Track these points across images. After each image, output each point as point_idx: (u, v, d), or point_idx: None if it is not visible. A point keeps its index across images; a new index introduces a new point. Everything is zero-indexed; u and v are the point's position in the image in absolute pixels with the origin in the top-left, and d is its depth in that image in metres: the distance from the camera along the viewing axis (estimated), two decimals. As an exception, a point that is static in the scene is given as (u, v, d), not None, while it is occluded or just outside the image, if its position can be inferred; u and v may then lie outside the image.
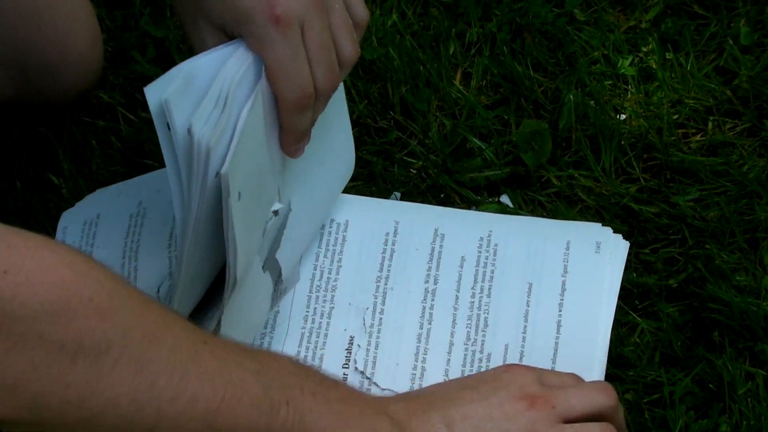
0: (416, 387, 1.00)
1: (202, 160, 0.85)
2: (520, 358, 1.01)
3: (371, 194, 1.14)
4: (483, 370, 1.00)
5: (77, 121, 1.21)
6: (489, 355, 1.01)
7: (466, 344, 1.01)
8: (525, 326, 1.02)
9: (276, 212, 0.97)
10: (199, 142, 0.84)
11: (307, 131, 0.93)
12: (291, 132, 0.92)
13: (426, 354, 1.01)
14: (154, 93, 0.84)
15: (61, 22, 1.15)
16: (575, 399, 0.93)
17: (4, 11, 1.13)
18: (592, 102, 1.19)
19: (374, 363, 1.01)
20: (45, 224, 1.15)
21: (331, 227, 1.07)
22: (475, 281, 1.04)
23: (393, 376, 1.00)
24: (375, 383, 1.00)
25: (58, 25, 1.14)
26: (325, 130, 0.99)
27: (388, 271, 1.05)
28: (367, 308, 1.03)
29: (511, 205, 1.14)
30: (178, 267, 0.91)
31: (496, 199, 1.15)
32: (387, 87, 1.22)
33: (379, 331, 1.02)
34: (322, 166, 1.02)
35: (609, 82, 1.21)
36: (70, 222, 1.11)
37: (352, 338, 1.02)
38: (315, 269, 1.05)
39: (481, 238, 1.06)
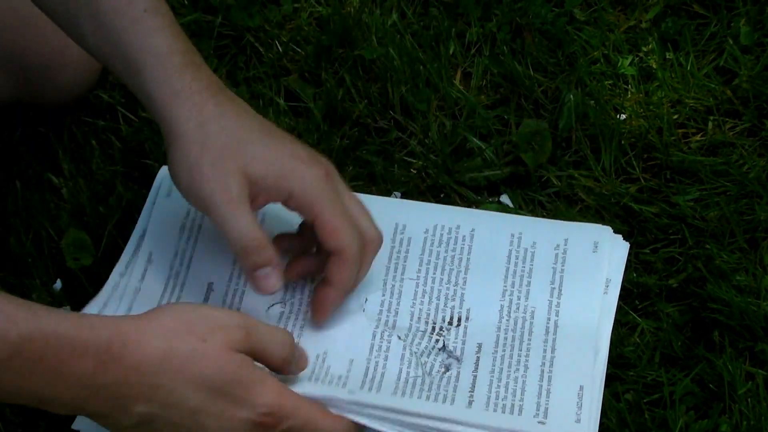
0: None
1: None
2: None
3: (371, 194, 1.14)
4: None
5: (77, 120, 1.21)
6: None
7: None
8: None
9: None
10: None
11: None
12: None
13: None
14: None
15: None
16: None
17: (3, 13, 1.13)
18: (592, 102, 1.19)
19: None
20: (44, 224, 1.15)
21: None
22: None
23: None
24: None
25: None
26: None
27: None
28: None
29: (511, 204, 1.14)
30: None
31: (496, 199, 1.15)
32: (387, 87, 1.22)
33: None
34: None
35: (609, 82, 1.21)
36: None
37: None
38: None
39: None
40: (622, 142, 1.17)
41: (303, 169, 0.94)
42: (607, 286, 1.01)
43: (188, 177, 0.93)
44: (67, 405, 0.84)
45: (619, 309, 1.04)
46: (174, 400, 0.85)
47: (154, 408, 0.84)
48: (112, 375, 0.83)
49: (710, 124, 1.19)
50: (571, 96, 1.19)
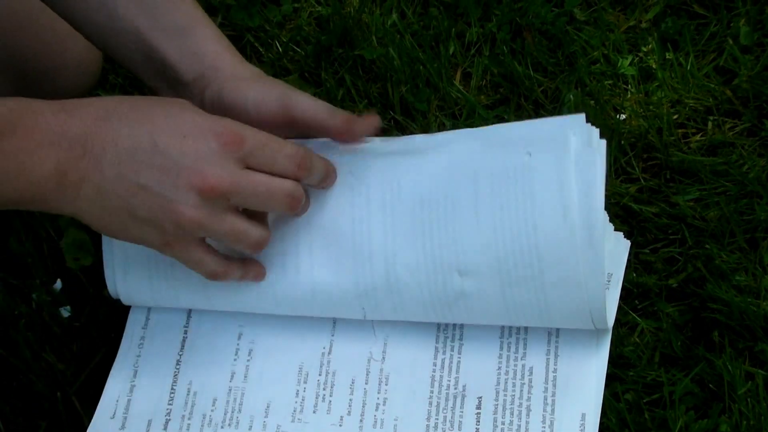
0: None
1: None
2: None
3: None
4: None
5: (77, 121, 1.21)
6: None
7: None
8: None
9: None
10: None
11: None
12: None
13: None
14: None
15: (60, 25, 1.14)
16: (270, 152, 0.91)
17: (2, 16, 1.13)
18: (592, 102, 1.19)
19: None
20: (45, 224, 1.15)
21: None
22: None
23: None
24: None
25: (56, 28, 1.14)
26: None
27: None
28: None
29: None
30: None
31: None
32: (387, 87, 1.22)
33: None
34: None
35: (609, 82, 1.21)
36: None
37: None
38: None
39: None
40: (622, 142, 1.17)
41: None
42: (609, 281, 1.01)
43: (274, 89, 0.96)
44: (46, 177, 0.86)
45: (619, 309, 1.05)
46: (136, 133, 0.87)
47: (119, 152, 0.87)
48: (78, 126, 0.87)
49: (710, 124, 1.19)
50: (571, 96, 1.19)
